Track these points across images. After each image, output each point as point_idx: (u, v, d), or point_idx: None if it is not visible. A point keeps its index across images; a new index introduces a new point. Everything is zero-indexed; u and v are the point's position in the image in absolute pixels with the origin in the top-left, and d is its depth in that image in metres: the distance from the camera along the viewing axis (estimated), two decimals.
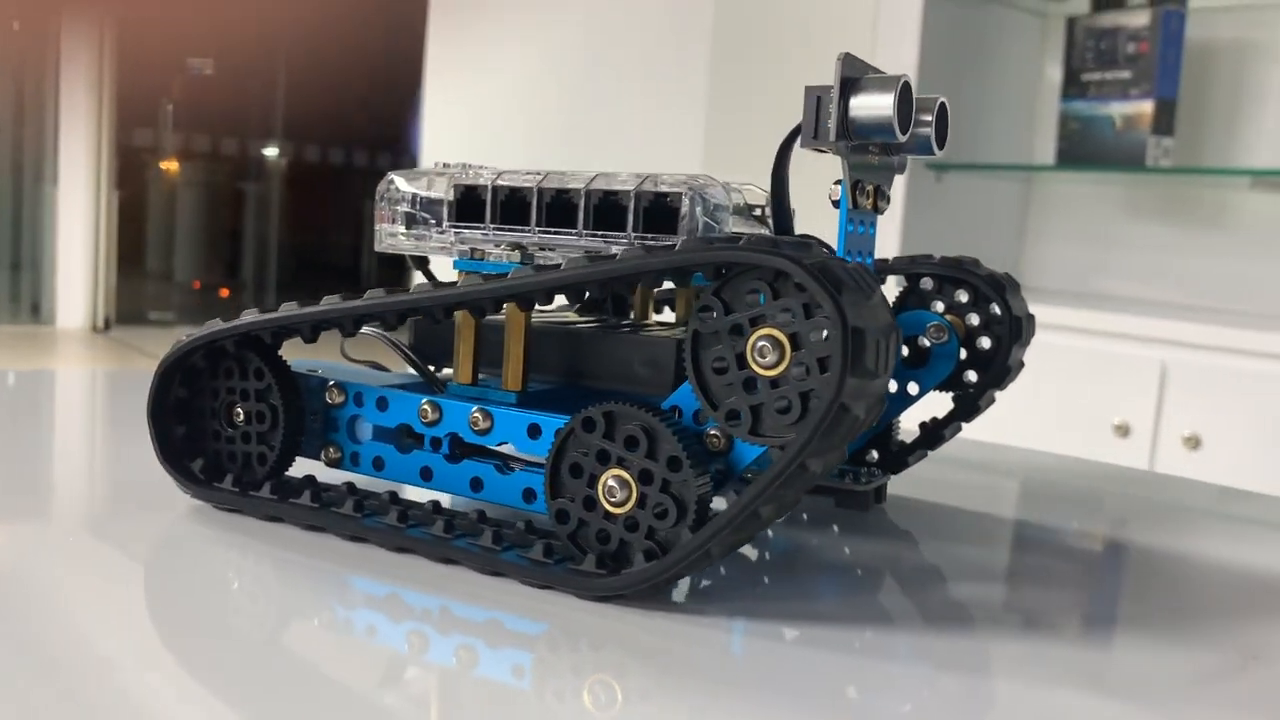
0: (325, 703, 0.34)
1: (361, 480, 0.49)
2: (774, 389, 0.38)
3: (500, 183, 0.49)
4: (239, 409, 0.49)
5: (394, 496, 0.47)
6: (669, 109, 2.26)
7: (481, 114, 2.62)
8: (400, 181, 0.52)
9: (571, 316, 0.54)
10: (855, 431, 0.36)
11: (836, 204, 0.46)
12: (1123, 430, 1.59)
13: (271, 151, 5.40)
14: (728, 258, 0.37)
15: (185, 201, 5.21)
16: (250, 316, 0.47)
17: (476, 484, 0.46)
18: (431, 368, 0.51)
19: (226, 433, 0.50)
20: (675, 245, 0.38)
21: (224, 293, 5.39)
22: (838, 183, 0.46)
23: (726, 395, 0.39)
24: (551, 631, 0.39)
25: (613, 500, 0.41)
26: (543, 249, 0.48)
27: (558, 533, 0.42)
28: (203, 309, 5.19)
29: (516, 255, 0.47)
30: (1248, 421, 1.49)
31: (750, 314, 0.38)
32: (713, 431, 0.41)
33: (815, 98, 0.46)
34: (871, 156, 0.46)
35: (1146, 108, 1.84)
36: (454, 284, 0.44)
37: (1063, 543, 0.57)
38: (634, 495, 0.40)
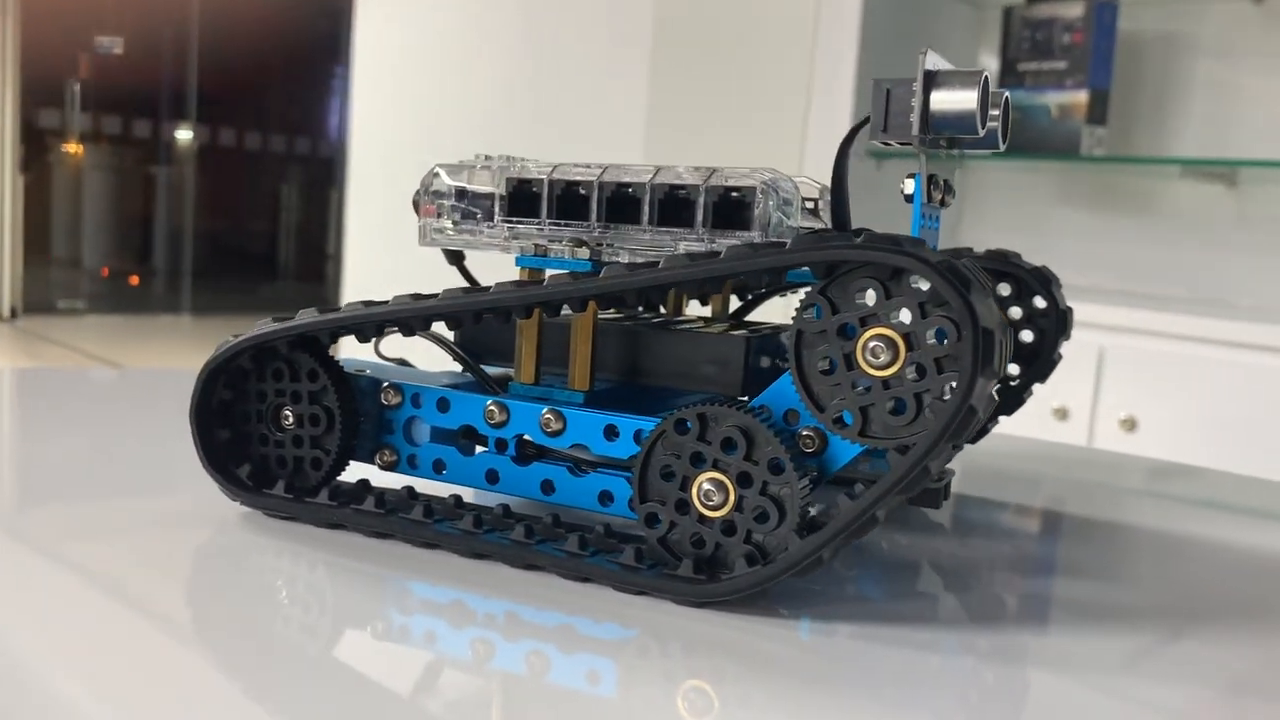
0: (373, 712, 0.32)
1: (420, 484, 0.48)
2: (885, 390, 0.37)
3: (557, 176, 0.48)
4: (288, 412, 0.47)
5: (459, 501, 0.46)
6: (608, 92, 2.25)
7: (414, 96, 2.57)
8: (446, 174, 0.50)
9: (612, 313, 0.53)
10: (974, 431, 0.36)
11: (908, 198, 0.46)
12: (1061, 414, 1.63)
13: (184, 134, 5.23)
14: (850, 256, 0.36)
15: (93, 185, 5.02)
16: (309, 316, 0.45)
17: (548, 487, 0.45)
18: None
19: (275, 437, 0.48)
20: (786, 243, 0.37)
21: (134, 280, 5.22)
22: (910, 176, 0.45)
23: (833, 396, 0.38)
24: (638, 636, 0.38)
25: (708, 504, 0.40)
26: (606, 245, 0.47)
27: (646, 537, 0.41)
28: (112, 297, 5.02)
29: (584, 252, 0.46)
30: (1182, 403, 1.54)
31: (861, 313, 0.37)
32: (806, 432, 0.40)
33: (885, 91, 0.45)
34: (941, 150, 0.46)
35: (1081, 97, 1.89)
36: (537, 282, 0.43)
37: (1082, 530, 0.58)
38: (731, 498, 0.40)
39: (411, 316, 0.44)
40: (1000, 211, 2.07)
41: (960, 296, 0.35)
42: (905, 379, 0.37)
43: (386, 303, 0.45)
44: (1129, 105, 1.91)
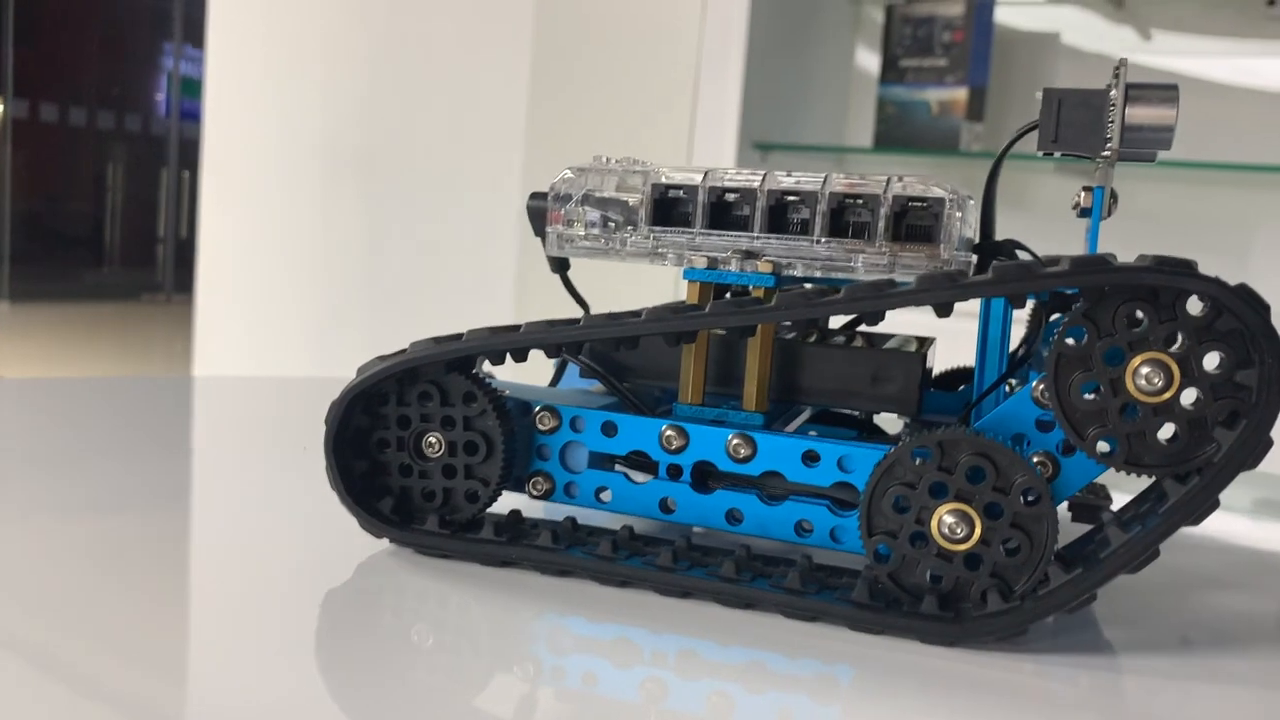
0: None
1: (578, 514, 0.44)
2: (1156, 416, 0.36)
3: (712, 183, 0.44)
4: (434, 439, 0.42)
5: (632, 533, 0.43)
6: (486, 77, 2.18)
7: (275, 78, 2.43)
8: (580, 179, 0.46)
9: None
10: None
11: (1085, 212, 0.45)
12: None
13: None
14: (1152, 280, 0.35)
15: None
16: (482, 334, 0.41)
17: (734, 517, 0.42)
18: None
19: (419, 466, 0.43)
20: (1061, 264, 0.36)
21: None
22: (1087, 189, 0.45)
23: (1095, 423, 0.37)
24: (830, 672, 0.36)
25: (951, 537, 0.38)
26: (773, 258, 0.44)
27: (877, 572, 0.39)
28: None
29: (766, 266, 0.43)
30: None
31: (1130, 337, 0.36)
32: (1038, 458, 0.39)
33: (1055, 101, 0.44)
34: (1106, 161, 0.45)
35: (961, 94, 1.95)
36: (756, 300, 0.40)
37: None
38: (978, 531, 0.38)
39: (611, 338, 0.40)
40: None
41: (1262, 320, 0.34)
42: (1179, 405, 0.36)
43: (576, 322, 0.41)
44: (1004, 102, 1.99)
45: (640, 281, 0.50)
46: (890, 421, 0.54)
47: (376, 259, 2.21)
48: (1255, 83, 1.87)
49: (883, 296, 0.37)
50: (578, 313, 0.45)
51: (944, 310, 0.37)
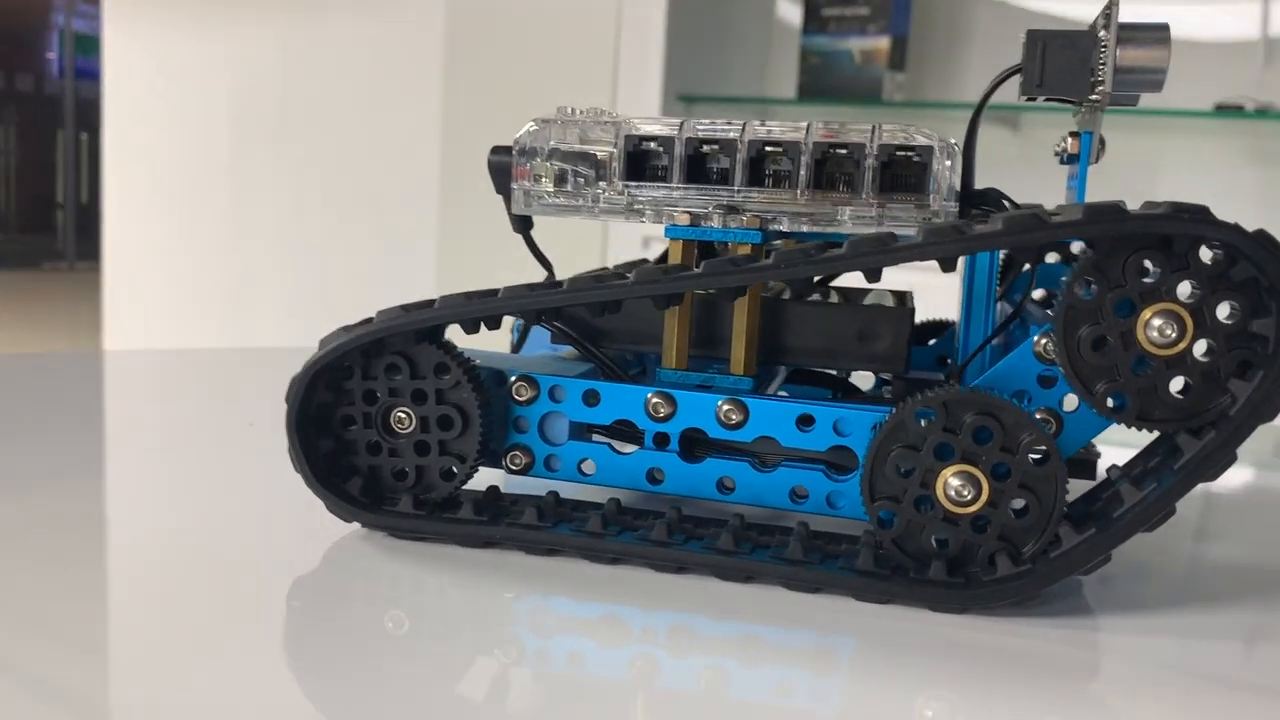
0: None
1: (560, 488, 0.42)
2: (1169, 369, 0.35)
3: (690, 134, 0.42)
4: (403, 414, 0.40)
5: (619, 506, 0.40)
6: (400, 29, 2.11)
7: (180, 31, 2.32)
8: (545, 131, 0.43)
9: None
10: None
11: (1069, 158, 0.43)
12: None
13: None
14: (1170, 228, 0.33)
15: None
16: (457, 301, 0.38)
17: (725, 486, 0.40)
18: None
19: (389, 444, 0.40)
20: (1078, 213, 0.34)
21: None
22: (1074, 135, 0.43)
23: (1105, 378, 0.35)
24: (830, 643, 0.35)
25: (958, 500, 0.36)
26: (755, 213, 0.42)
27: (881, 538, 0.37)
28: None
29: (754, 222, 0.41)
30: None
31: (1141, 288, 0.35)
32: (1041, 414, 0.38)
33: (1040, 43, 0.43)
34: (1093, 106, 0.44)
35: (883, 44, 1.94)
36: (752, 258, 0.37)
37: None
38: (986, 493, 0.36)
39: (595, 301, 0.38)
40: None
41: None
42: (1193, 357, 0.35)
43: (559, 285, 0.38)
44: (925, 51, 1.99)
45: (560, 236, 0.47)
46: (862, 380, 0.53)
47: (293, 221, 2.14)
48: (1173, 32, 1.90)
49: (889, 251, 0.35)
50: (515, 275, 0.43)
51: (949, 265, 0.36)
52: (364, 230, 2.08)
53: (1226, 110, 1.64)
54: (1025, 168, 1.93)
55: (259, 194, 2.16)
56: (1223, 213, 0.34)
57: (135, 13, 2.30)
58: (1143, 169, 1.85)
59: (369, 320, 0.39)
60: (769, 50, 2.12)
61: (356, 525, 0.41)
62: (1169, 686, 0.33)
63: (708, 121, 0.43)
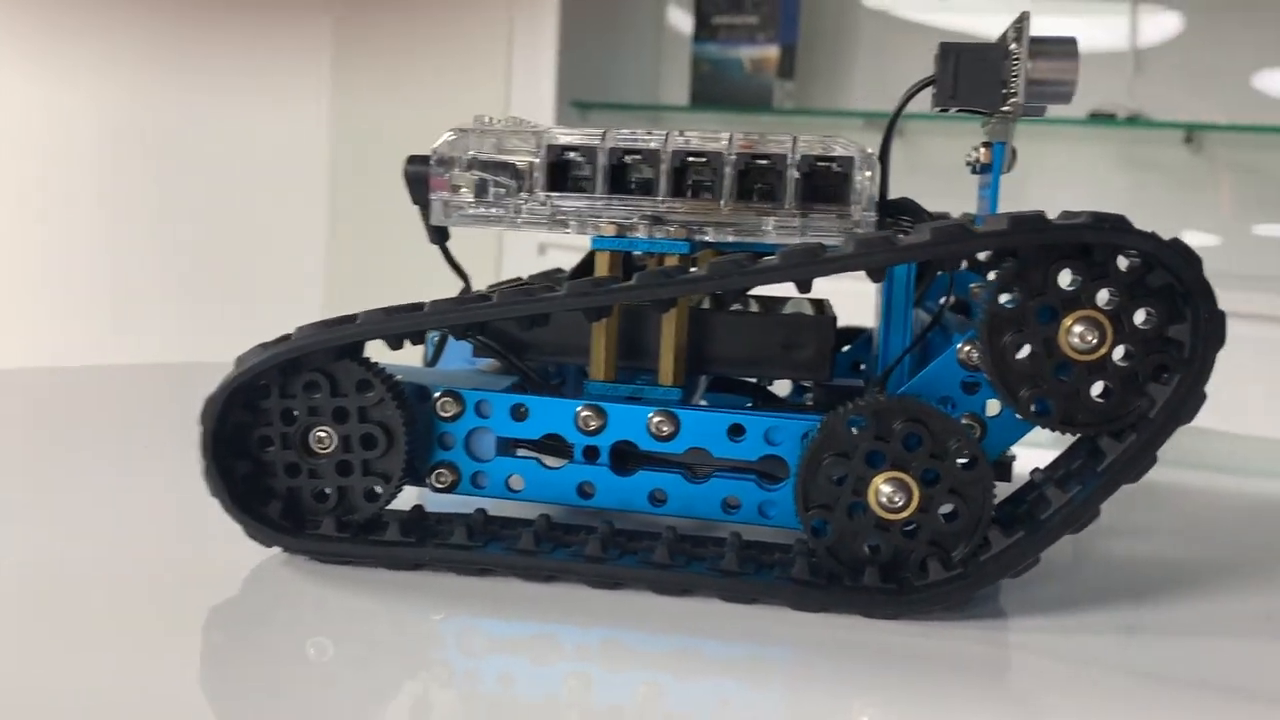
0: None
1: (487, 505, 0.41)
2: (1090, 375, 0.36)
3: (612, 144, 0.42)
4: (325, 433, 0.38)
5: (550, 522, 0.40)
6: (284, 37, 2.06)
7: (51, 59, 2.21)
8: (464, 141, 0.43)
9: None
10: None
11: (982, 168, 0.44)
12: None
13: None
14: (1092, 238, 0.34)
15: None
16: (379, 316, 0.37)
17: (657, 498, 0.40)
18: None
19: (309, 465, 0.39)
20: (1003, 223, 0.35)
21: None
22: (986, 145, 0.44)
23: (1029, 384, 0.36)
24: (766, 654, 0.35)
25: (890, 507, 0.37)
26: (681, 224, 0.41)
27: (814, 546, 0.38)
28: None
29: (681, 232, 0.41)
30: None
31: (1063, 296, 0.36)
32: (966, 420, 0.38)
33: (953, 55, 0.43)
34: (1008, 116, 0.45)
35: (772, 52, 1.97)
36: (683, 270, 0.37)
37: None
38: (916, 499, 0.37)
39: (522, 315, 0.37)
40: None
41: (1196, 275, 0.34)
42: (1113, 362, 0.36)
43: (487, 298, 0.37)
44: (813, 60, 2.02)
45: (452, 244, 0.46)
46: (780, 388, 0.53)
47: (169, 234, 2.06)
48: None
49: (823, 262, 0.35)
50: (407, 284, 0.42)
51: (878, 275, 0.36)
52: (249, 241, 2.02)
53: (1100, 118, 1.71)
54: (910, 174, 1.98)
55: (131, 203, 2.08)
56: None
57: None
58: (1020, 175, 1.91)
59: (287, 337, 0.38)
60: (661, 57, 2.13)
61: (277, 550, 0.39)
62: (1086, 682, 0.34)
63: (628, 131, 0.42)
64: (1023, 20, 0.42)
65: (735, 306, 0.47)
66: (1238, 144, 1.71)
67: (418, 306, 0.37)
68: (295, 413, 0.38)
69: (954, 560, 0.37)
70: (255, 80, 2.01)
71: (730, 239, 0.41)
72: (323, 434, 0.38)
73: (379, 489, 0.39)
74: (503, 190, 0.43)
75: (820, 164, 0.41)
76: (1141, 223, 0.35)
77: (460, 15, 1.95)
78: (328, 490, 0.39)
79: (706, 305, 0.45)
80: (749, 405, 0.49)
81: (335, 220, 1.91)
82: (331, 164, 1.92)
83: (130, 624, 0.35)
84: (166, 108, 2.03)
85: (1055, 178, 1.79)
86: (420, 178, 0.43)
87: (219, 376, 0.38)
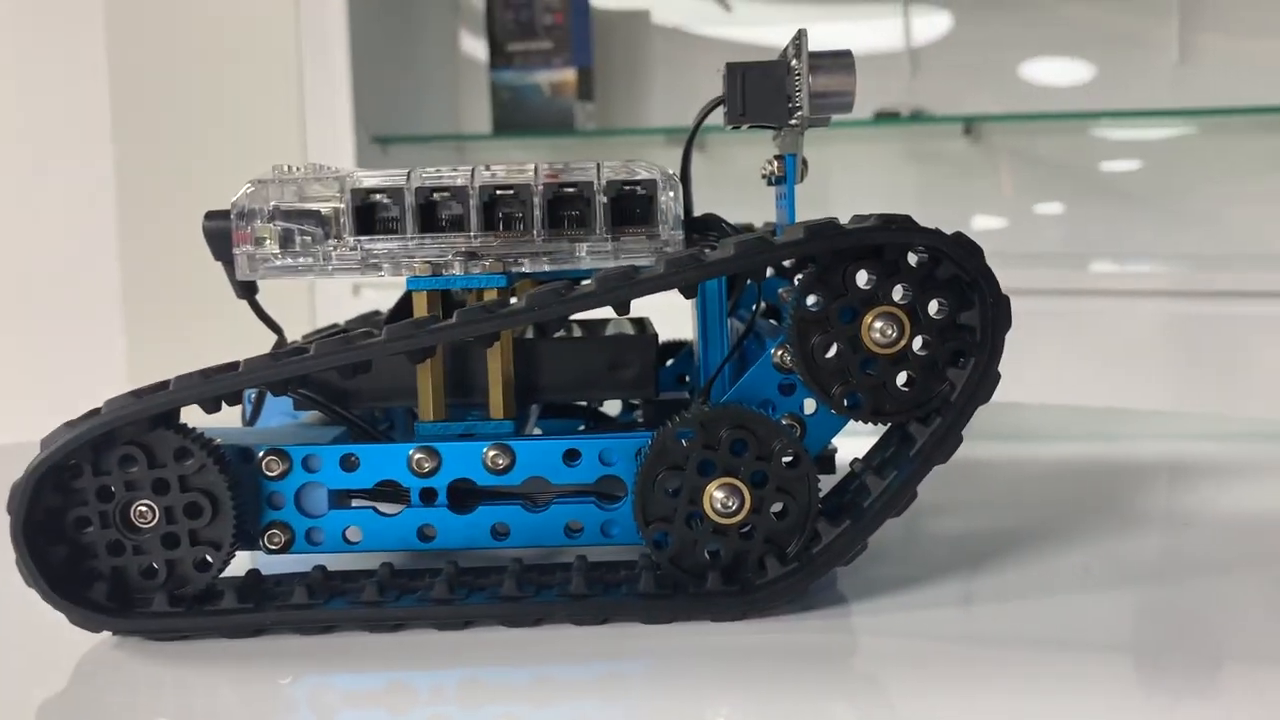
0: None
1: (325, 561, 0.40)
2: (894, 366, 0.38)
3: (418, 184, 0.42)
4: (146, 507, 0.37)
5: (392, 570, 0.39)
6: (56, 73, 1.96)
7: None
8: (264, 191, 0.42)
9: None
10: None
11: (777, 180, 0.46)
12: None
13: None
14: (882, 239, 0.36)
15: None
16: (194, 380, 0.36)
17: (499, 531, 0.40)
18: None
19: (132, 541, 0.37)
20: (800, 233, 0.36)
21: None
22: (779, 158, 0.46)
23: (840, 381, 0.38)
24: (620, 670, 0.36)
25: (724, 511, 0.38)
26: (505, 258, 0.42)
27: (658, 559, 0.38)
28: None
29: (497, 266, 0.41)
30: None
31: (861, 295, 0.38)
32: (786, 420, 0.40)
33: (739, 75, 0.45)
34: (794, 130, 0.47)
35: (569, 75, 1.99)
36: (504, 303, 0.37)
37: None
38: (748, 501, 0.38)
39: (343, 364, 0.37)
40: None
41: (982, 267, 0.36)
42: (913, 353, 0.38)
43: (304, 350, 0.37)
44: (611, 80, 2.06)
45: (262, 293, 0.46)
46: (611, 408, 0.54)
47: None
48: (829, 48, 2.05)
49: (637, 283, 0.36)
50: (213, 335, 0.41)
51: (691, 291, 0.37)
52: (41, 317, 1.90)
53: (885, 117, 1.80)
54: (713, 188, 2.04)
55: None
56: (887, 210, 0.37)
57: None
58: (814, 177, 1.98)
59: (96, 412, 0.36)
60: (459, 87, 2.12)
61: (107, 634, 0.37)
62: (929, 654, 0.36)
63: (434, 170, 0.43)
64: (800, 37, 0.44)
65: (559, 333, 0.48)
66: (1013, 132, 1.82)
67: (233, 365, 0.37)
68: (112, 489, 0.37)
69: (789, 555, 0.38)
70: (24, 121, 1.90)
71: (546, 268, 0.42)
72: (144, 508, 0.37)
73: (210, 558, 0.37)
74: (309, 239, 0.42)
75: (626, 188, 0.42)
76: (932, 212, 0.37)
77: (244, 61, 1.90)
78: (155, 565, 0.37)
79: (530, 335, 0.46)
80: (581, 429, 0.50)
81: (128, 285, 1.82)
82: (119, 223, 1.83)
83: None
84: None
85: (851, 177, 1.87)
86: (221, 233, 0.42)
87: (24, 459, 0.36)
